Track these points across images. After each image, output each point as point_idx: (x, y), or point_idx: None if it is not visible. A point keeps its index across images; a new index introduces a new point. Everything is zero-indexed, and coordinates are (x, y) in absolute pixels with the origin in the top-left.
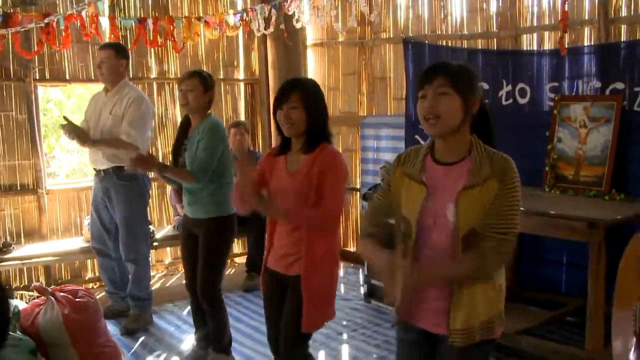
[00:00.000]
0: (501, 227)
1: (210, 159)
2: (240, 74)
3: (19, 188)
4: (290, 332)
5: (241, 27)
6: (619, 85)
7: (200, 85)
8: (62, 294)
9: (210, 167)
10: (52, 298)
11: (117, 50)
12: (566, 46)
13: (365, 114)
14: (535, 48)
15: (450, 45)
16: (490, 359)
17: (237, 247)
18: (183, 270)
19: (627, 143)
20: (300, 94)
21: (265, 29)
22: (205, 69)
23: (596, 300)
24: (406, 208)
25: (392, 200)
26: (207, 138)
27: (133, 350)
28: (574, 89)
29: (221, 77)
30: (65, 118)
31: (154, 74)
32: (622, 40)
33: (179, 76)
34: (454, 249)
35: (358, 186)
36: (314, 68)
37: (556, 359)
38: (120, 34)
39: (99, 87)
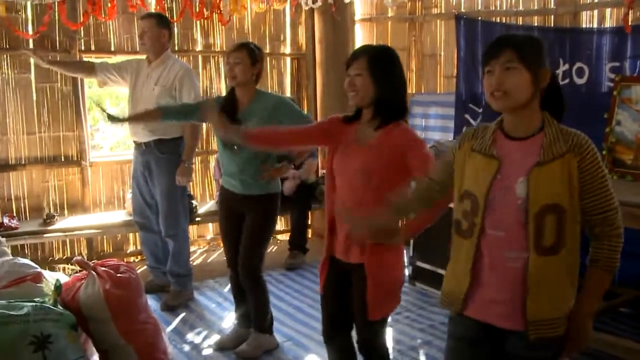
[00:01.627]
0: (605, 206)
1: None
2: (287, 49)
3: (62, 160)
4: (362, 320)
5: (289, 1)
6: None
7: (248, 57)
8: (103, 268)
9: None
10: (94, 272)
11: (159, 20)
12: (630, 23)
13: (414, 92)
14: (595, 26)
15: (504, 22)
16: None
17: (280, 224)
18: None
19: None
20: (368, 60)
21: (313, 3)
22: None
23: None
24: (473, 183)
25: (449, 176)
26: (291, 109)
27: (173, 326)
28: (637, 70)
29: (267, 51)
30: (99, 107)
31: (199, 47)
32: None
33: (224, 49)
34: (522, 228)
35: None
36: (361, 43)
37: (609, 352)
38: (165, 6)
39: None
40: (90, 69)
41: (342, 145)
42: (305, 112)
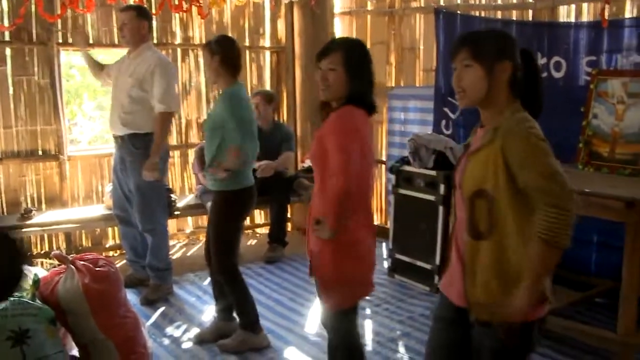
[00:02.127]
0: (534, 178)
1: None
2: (266, 42)
3: (40, 154)
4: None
5: None
6: None
7: (208, 54)
8: (82, 262)
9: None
10: (72, 267)
11: (139, 11)
12: (606, 18)
13: (393, 85)
14: (572, 20)
15: (483, 15)
16: None
17: (260, 217)
18: (204, 240)
19: None
20: (343, 55)
21: None
22: (230, 36)
23: (631, 283)
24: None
25: None
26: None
27: (153, 320)
28: (613, 64)
29: (247, 44)
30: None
31: (178, 40)
32: None
33: (204, 42)
34: (464, 210)
35: (384, 158)
36: (341, 36)
37: (584, 341)
38: None
39: (123, 52)
40: (99, 70)
41: None
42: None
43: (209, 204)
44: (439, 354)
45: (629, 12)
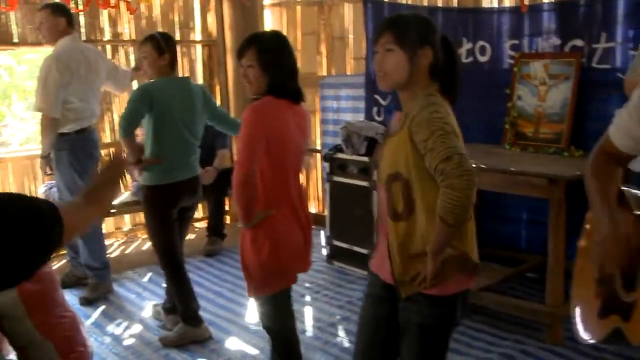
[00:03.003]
0: (434, 161)
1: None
2: (197, 36)
3: None
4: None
5: None
6: (578, 43)
7: (154, 50)
8: None
9: None
10: None
11: (54, 8)
12: (526, 3)
13: (324, 75)
14: (495, 5)
15: (410, 3)
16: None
17: (198, 211)
18: (142, 237)
19: (586, 100)
20: (257, 50)
21: None
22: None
23: (556, 257)
24: None
25: None
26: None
27: (93, 319)
28: (534, 47)
29: (177, 38)
30: None
31: (107, 37)
32: None
33: (134, 38)
34: (384, 193)
35: (318, 147)
36: (272, 28)
37: (518, 315)
38: None
39: (49, 49)
40: None
41: None
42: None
43: None
44: (367, 324)
45: None
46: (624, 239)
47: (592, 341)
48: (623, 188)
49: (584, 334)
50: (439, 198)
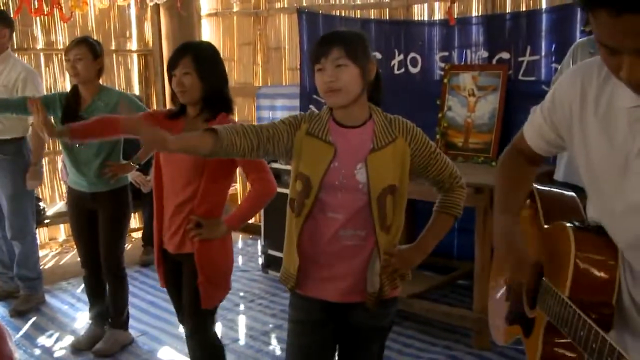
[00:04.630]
0: (445, 167)
1: None
2: (133, 45)
3: None
4: (191, 309)
5: None
6: (505, 55)
7: (90, 52)
8: None
9: None
10: None
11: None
12: (455, 16)
13: (260, 85)
14: (426, 18)
15: (343, 15)
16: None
17: (134, 221)
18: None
19: (513, 111)
20: (193, 58)
21: None
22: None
23: (483, 263)
24: (308, 166)
25: (284, 146)
26: (134, 106)
27: (24, 331)
28: (463, 59)
29: (113, 48)
30: None
31: (40, 45)
32: (507, 11)
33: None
34: (366, 210)
35: None
36: (208, 38)
37: (447, 321)
38: (1, 2)
39: None
40: None
41: None
42: (148, 109)
43: None
44: (311, 351)
45: (475, 11)
46: (519, 254)
47: (500, 344)
48: (536, 187)
49: (494, 335)
50: (456, 198)
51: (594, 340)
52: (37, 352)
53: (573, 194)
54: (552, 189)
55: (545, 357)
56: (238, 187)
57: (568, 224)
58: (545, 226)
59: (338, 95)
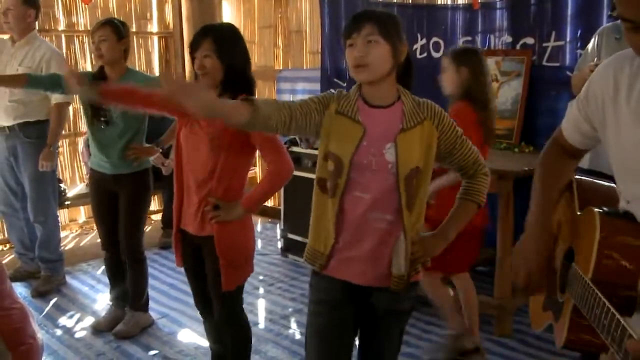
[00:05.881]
0: (471, 152)
1: None
2: (154, 27)
3: None
4: (215, 292)
5: None
6: (529, 40)
7: (114, 34)
8: None
9: None
10: None
11: None
12: (479, 1)
13: (281, 68)
14: (449, 2)
15: None
16: None
17: (153, 203)
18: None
19: (537, 97)
20: (213, 40)
21: None
22: None
23: (504, 249)
24: (338, 146)
25: (314, 124)
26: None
27: (45, 312)
28: (487, 44)
29: (134, 30)
30: None
31: (62, 26)
32: None
33: (89, 29)
34: (395, 190)
35: None
36: (229, 20)
37: None
38: None
39: (3, 37)
40: None
41: (190, 121)
42: None
43: None
44: (331, 331)
45: None
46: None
47: (535, 330)
48: (575, 177)
49: (532, 322)
50: (479, 185)
51: (610, 321)
52: (59, 332)
53: (612, 184)
54: (592, 179)
55: (570, 341)
56: (257, 171)
57: (596, 209)
58: (578, 213)
59: (365, 70)
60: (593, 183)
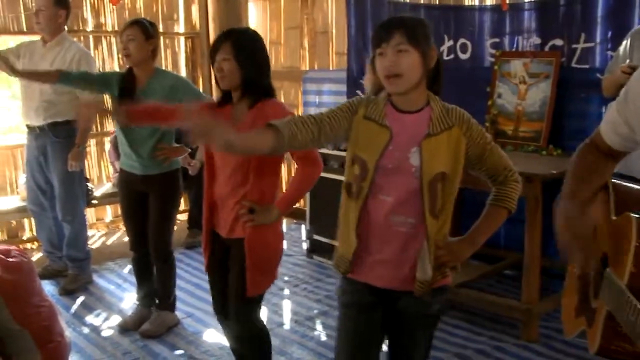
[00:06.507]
0: (501, 162)
1: None
2: (181, 28)
3: None
4: (237, 294)
5: None
6: (558, 42)
7: (141, 34)
8: None
9: None
10: None
11: None
12: (507, 2)
13: (307, 69)
14: (477, 3)
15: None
16: None
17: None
18: (125, 229)
19: (565, 99)
20: (232, 44)
21: None
22: None
23: (532, 253)
24: (364, 150)
25: (343, 131)
26: (189, 89)
27: (73, 310)
28: (515, 45)
29: (161, 31)
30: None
31: (90, 27)
32: None
33: (116, 29)
34: (418, 194)
35: None
36: (255, 21)
37: (494, 311)
38: None
39: (33, 38)
40: None
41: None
42: (202, 92)
43: None
44: (359, 333)
45: None
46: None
47: (567, 337)
48: (612, 180)
49: (564, 328)
50: (510, 191)
51: None
52: (86, 330)
53: None
54: (629, 184)
55: (603, 348)
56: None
57: (633, 215)
58: (614, 218)
59: (398, 81)
60: (630, 188)
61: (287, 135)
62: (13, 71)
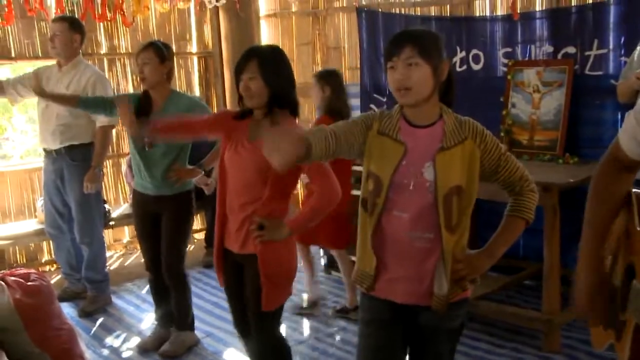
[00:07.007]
0: (516, 170)
1: None
2: (193, 48)
3: None
4: (255, 310)
5: (192, 0)
6: (571, 50)
7: (156, 56)
8: (13, 278)
9: None
10: (2, 283)
11: (72, 23)
12: (518, 11)
13: None
14: (488, 14)
15: (403, 12)
16: None
17: (196, 222)
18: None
19: (580, 107)
20: (259, 63)
21: (217, 1)
22: None
23: (552, 263)
24: (378, 165)
25: (358, 145)
26: (205, 112)
27: (92, 332)
28: (527, 54)
29: (174, 51)
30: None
31: (104, 50)
32: (573, 4)
33: (130, 51)
34: (433, 209)
35: None
36: (267, 39)
37: (515, 322)
38: (67, 9)
39: (48, 63)
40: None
41: (234, 141)
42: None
43: None
44: (380, 350)
45: (539, 5)
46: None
47: (597, 349)
48: (635, 192)
49: (592, 340)
50: (527, 202)
51: None
52: (106, 352)
53: None
54: None
55: None
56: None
57: None
58: (638, 229)
59: (408, 94)
60: None
61: (314, 147)
62: (41, 91)
